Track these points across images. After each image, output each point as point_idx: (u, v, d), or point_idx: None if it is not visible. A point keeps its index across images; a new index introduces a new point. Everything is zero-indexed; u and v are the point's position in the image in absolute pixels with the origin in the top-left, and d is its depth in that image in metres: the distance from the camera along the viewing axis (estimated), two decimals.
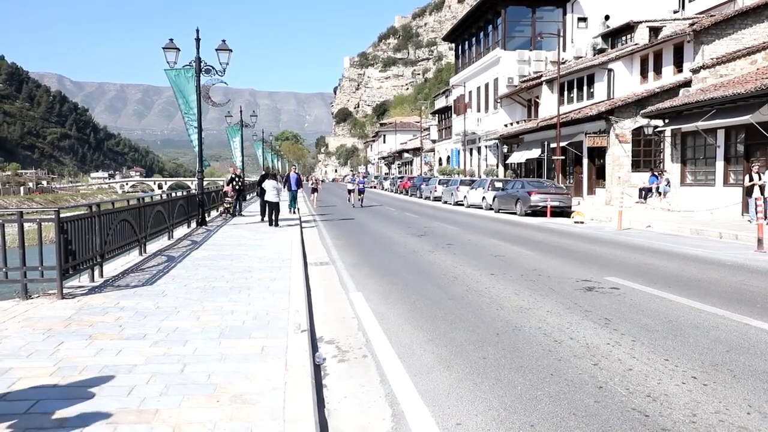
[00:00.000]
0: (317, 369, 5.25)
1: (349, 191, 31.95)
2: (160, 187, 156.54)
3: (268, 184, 19.27)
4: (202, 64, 17.69)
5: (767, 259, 11.52)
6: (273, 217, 18.20)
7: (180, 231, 16.23)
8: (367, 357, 5.66)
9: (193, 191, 19.58)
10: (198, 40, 17.48)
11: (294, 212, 23.22)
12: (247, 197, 30.73)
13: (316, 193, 32.11)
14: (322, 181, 46.36)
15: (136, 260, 10.95)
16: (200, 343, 5.62)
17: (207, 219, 19.42)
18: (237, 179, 22.35)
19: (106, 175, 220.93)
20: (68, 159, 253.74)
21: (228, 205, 22.01)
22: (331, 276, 10.20)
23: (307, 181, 70.68)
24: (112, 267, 10.08)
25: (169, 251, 12.30)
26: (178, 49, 17.26)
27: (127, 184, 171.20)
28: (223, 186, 24.10)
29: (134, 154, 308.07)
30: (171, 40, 17.23)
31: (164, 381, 4.59)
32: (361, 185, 31.58)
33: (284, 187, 25.08)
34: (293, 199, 23.95)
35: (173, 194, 17.05)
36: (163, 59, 17.18)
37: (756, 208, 13.97)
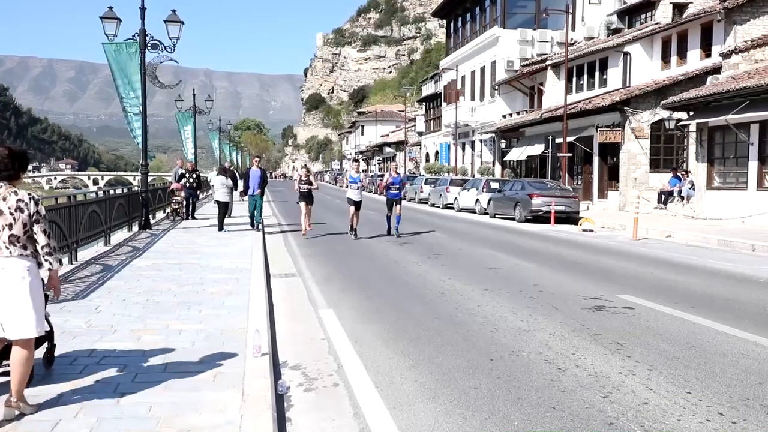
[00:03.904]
0: (280, 399, 5.23)
1: (353, 205, 17.62)
2: (95, 182, 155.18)
3: (217, 181, 19.21)
4: (147, 38, 17.57)
5: None
6: (219, 220, 18.14)
7: (119, 235, 16.10)
8: (339, 386, 5.65)
9: (136, 188, 19.41)
10: (143, 9, 17.37)
11: (258, 227, 18.55)
12: (200, 197, 30.00)
13: (307, 205, 17.96)
14: (310, 176, 18.94)
15: (64, 270, 10.82)
16: (140, 368, 5.58)
17: (152, 221, 19.28)
18: (190, 176, 22.10)
19: (30, 167, 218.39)
20: None
21: (176, 206, 21.76)
22: (297, 290, 10.18)
23: (284, 178, 66.06)
24: None
25: (105, 259, 12.19)
26: (119, 20, 17.13)
27: (55, 178, 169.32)
28: (170, 183, 23.67)
29: (65, 143, 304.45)
30: (110, 8, 17.10)
31: (96, 414, 4.54)
32: (396, 183, 18.61)
33: (241, 192, 19.87)
34: (257, 209, 18.70)
35: (111, 191, 16.90)
36: (101, 31, 17.04)
37: None
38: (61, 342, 6.34)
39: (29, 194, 4.56)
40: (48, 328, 5.23)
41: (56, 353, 5.93)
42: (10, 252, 4.42)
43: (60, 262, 4.75)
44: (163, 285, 9.55)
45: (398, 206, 18.40)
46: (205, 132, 54.70)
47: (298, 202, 18.21)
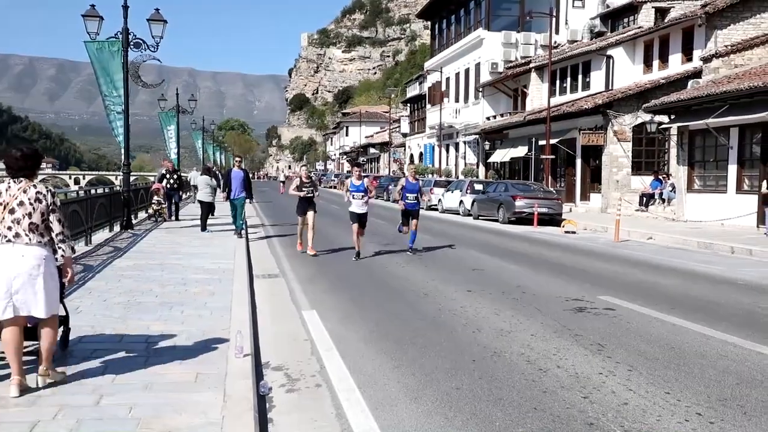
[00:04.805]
0: (262, 400, 5.22)
1: (357, 218, 14.06)
2: (77, 182, 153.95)
3: (201, 181, 19.09)
4: (130, 37, 17.47)
5: None
6: (202, 220, 18.04)
7: (100, 235, 15.97)
8: (321, 386, 5.65)
9: (118, 188, 19.27)
10: (126, 7, 17.27)
11: (241, 235, 16.52)
12: (183, 196, 29.72)
13: (311, 212, 14.54)
14: (308, 177, 15.39)
15: None
16: (121, 369, 5.54)
17: (134, 222, 19.15)
18: (171, 175, 21.97)
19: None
20: None
21: (158, 207, 21.47)
22: (281, 291, 10.16)
23: (267, 178, 65.02)
24: None
25: (86, 259, 12.09)
26: (102, 18, 17.02)
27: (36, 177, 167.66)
28: (153, 183, 23.46)
29: (46, 141, 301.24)
30: (93, 6, 16.99)
31: (75, 415, 4.51)
32: (413, 190, 14.96)
33: (224, 192, 17.88)
34: (239, 214, 16.93)
35: (93, 191, 16.77)
36: (83, 29, 16.92)
37: None
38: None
39: (47, 187, 5.19)
40: (63, 313, 5.82)
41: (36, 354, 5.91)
42: (30, 239, 4.94)
43: (72, 249, 5.37)
44: (144, 285, 9.49)
45: (415, 220, 14.96)
46: (189, 132, 54.34)
47: (297, 212, 14.74)
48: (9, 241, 4.91)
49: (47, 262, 5.02)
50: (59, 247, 5.13)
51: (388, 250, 15.14)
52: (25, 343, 5.37)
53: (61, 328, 5.80)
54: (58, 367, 5.32)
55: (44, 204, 5.04)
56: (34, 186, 5.10)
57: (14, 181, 5.09)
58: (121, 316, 7.47)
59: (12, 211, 4.95)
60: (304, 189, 14.53)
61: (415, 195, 14.98)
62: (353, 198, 14.10)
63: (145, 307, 8.03)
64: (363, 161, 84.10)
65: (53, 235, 5.10)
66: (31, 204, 4.99)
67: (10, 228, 4.92)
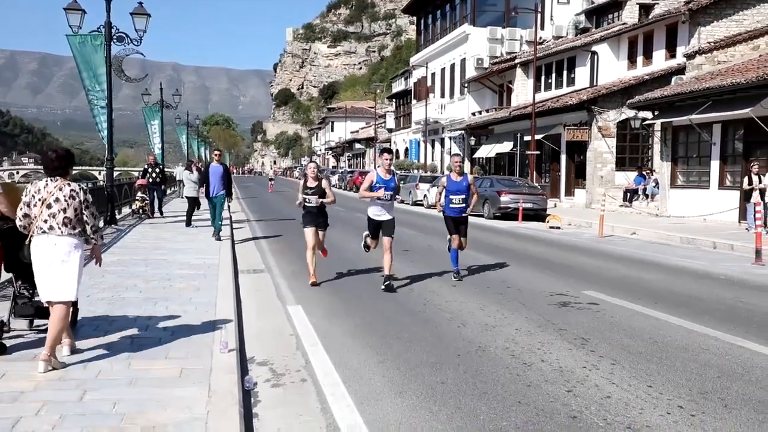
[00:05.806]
0: (247, 395, 5.22)
1: (379, 227, 10.42)
2: None
3: (185, 176, 19.02)
4: (113, 31, 17.36)
5: (766, 273, 11.96)
6: (188, 215, 17.96)
7: None
8: (307, 381, 5.66)
9: (101, 183, 19.13)
10: (108, 0, 17.15)
11: (219, 237, 15.02)
12: (168, 192, 29.43)
13: (317, 231, 10.42)
14: (322, 180, 10.42)
15: None
16: (104, 365, 5.54)
17: (117, 217, 19.04)
18: (153, 170, 21.76)
19: None
20: None
21: (143, 203, 21.26)
22: (266, 286, 10.17)
23: (251, 173, 64.23)
24: None
25: None
26: (84, 11, 16.91)
27: (17, 173, 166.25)
28: (136, 179, 23.21)
29: (27, 136, 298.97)
30: None
31: (58, 411, 4.50)
32: (460, 191, 11.01)
33: (201, 189, 17.19)
34: (218, 213, 15.37)
35: None
36: (65, 22, 16.79)
37: (755, 215, 14.46)
38: (22, 339, 6.27)
39: (80, 186, 5.77)
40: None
41: (21, 350, 5.90)
42: (62, 231, 5.50)
43: (102, 238, 5.98)
44: (128, 281, 9.45)
45: (463, 235, 11.29)
46: (173, 127, 54.03)
47: (303, 225, 10.46)
48: (44, 232, 5.48)
49: (77, 249, 5.58)
50: (92, 237, 5.74)
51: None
52: (44, 322, 5.93)
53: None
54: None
55: (77, 201, 5.60)
56: (69, 184, 5.66)
57: (51, 179, 5.65)
58: (105, 312, 7.44)
59: (49, 206, 5.51)
60: (308, 193, 10.26)
61: (462, 198, 11.00)
62: (378, 198, 10.11)
63: (129, 302, 8.00)
64: (349, 156, 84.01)
65: (88, 227, 5.68)
66: (65, 200, 5.54)
67: (46, 221, 5.48)
